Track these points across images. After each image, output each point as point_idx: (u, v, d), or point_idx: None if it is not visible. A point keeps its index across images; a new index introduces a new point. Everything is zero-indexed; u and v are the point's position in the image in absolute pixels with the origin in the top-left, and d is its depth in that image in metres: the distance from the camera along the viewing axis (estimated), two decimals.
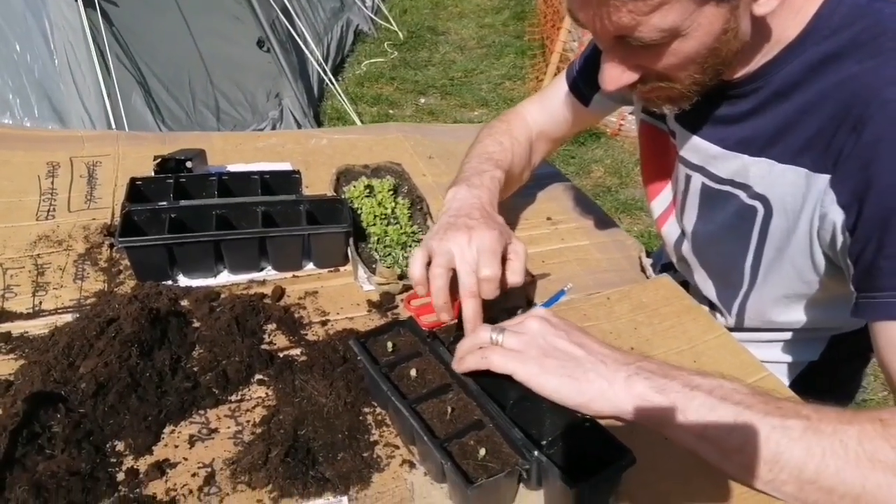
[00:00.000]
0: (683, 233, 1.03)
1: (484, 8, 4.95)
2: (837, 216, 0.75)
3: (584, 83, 1.10)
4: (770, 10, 0.70)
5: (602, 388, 0.64)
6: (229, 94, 2.78)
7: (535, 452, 0.65)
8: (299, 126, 3.09)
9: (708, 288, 1.03)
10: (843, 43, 0.73)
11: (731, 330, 1.01)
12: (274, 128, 2.94)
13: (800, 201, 0.79)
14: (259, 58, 2.90)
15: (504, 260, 0.84)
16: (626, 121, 3.41)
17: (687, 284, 1.09)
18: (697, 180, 0.93)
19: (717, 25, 0.69)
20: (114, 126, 2.19)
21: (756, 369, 0.86)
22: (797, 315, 0.94)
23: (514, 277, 0.84)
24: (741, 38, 0.73)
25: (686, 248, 1.03)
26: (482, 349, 0.70)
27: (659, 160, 1.04)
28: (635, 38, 0.69)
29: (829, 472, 0.60)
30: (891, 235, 0.68)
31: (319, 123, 3.31)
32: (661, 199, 1.07)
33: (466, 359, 0.71)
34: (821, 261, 0.83)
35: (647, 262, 1.09)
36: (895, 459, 0.59)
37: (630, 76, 0.76)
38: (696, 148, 0.91)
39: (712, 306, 1.04)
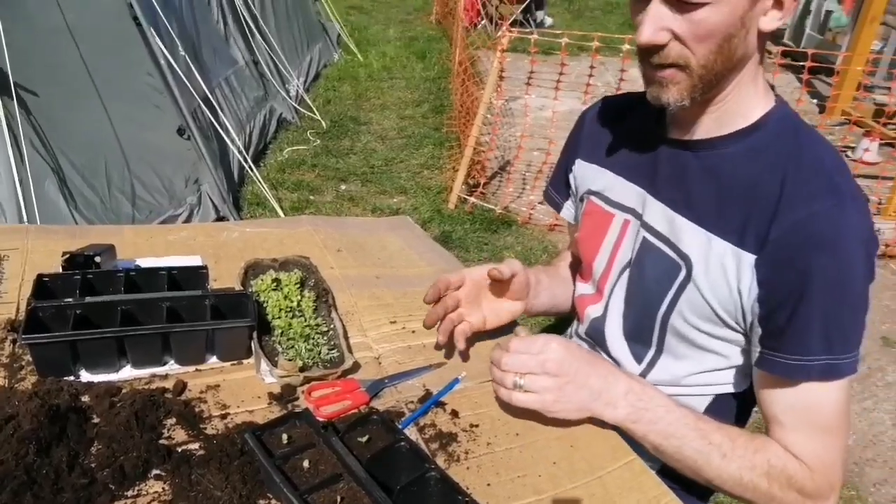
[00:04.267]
0: (606, 309, 1.14)
1: (405, 101, 5.19)
2: (754, 290, 0.92)
3: (555, 192, 1.28)
4: (771, 30, 0.90)
5: (598, 414, 0.95)
6: (146, 180, 2.80)
7: None
8: (218, 211, 3.12)
9: (623, 352, 1.13)
10: (770, 141, 0.94)
11: None
12: (191, 213, 2.96)
13: (720, 270, 0.95)
14: (179, 145, 2.95)
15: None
16: (535, 210, 3.62)
17: None
18: (642, 233, 1.06)
19: (739, 10, 0.85)
20: (24, 214, 2.17)
21: (625, 453, 0.94)
22: (691, 374, 1.07)
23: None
24: (747, 46, 0.90)
25: (612, 327, 1.13)
26: (508, 391, 0.94)
27: (593, 240, 1.16)
28: None
29: (728, 482, 0.94)
30: (802, 308, 0.88)
31: (239, 209, 3.35)
32: (588, 284, 1.19)
33: (500, 393, 0.96)
34: (729, 323, 0.98)
35: None
36: (769, 474, 0.92)
37: (663, 36, 0.88)
38: (643, 201, 1.06)
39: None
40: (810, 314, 0.88)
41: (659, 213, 1.04)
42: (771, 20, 0.89)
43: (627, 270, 1.10)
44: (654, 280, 1.04)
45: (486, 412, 1.00)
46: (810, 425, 0.93)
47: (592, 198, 1.16)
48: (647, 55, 0.91)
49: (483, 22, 6.41)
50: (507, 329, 1.17)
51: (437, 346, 1.12)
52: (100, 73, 2.70)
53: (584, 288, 1.21)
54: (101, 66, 2.71)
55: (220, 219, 3.10)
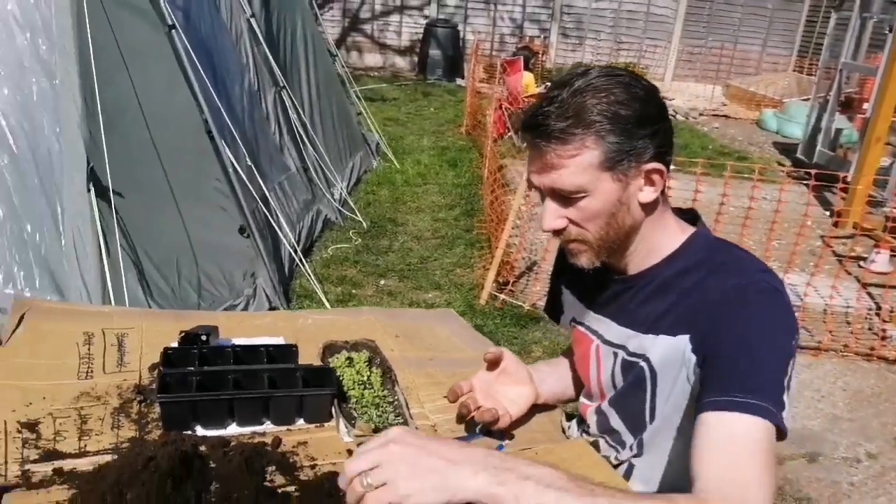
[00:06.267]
0: (602, 410, 1.33)
1: (438, 205, 5.58)
2: (692, 361, 1.10)
3: (552, 310, 1.51)
4: (650, 201, 1.11)
5: (459, 487, 0.81)
6: (211, 274, 3.11)
7: None
8: (270, 302, 3.40)
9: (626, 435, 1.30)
10: (698, 261, 1.16)
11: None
12: (247, 304, 3.24)
13: (671, 359, 1.14)
14: (239, 243, 3.28)
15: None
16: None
17: (597, 444, 1.39)
18: (621, 356, 1.26)
19: (613, 196, 1.08)
20: (113, 301, 2.46)
21: None
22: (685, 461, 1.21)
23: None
24: (633, 215, 1.12)
25: (615, 421, 1.31)
26: (358, 499, 0.83)
27: (583, 364, 1.36)
28: (560, 189, 1.08)
29: None
30: (724, 354, 1.04)
31: (288, 300, 3.64)
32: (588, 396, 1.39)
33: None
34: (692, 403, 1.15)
35: (566, 424, 1.39)
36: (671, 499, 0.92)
37: (560, 223, 1.12)
38: (617, 332, 1.26)
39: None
40: (733, 359, 1.02)
41: (627, 337, 1.23)
42: (647, 194, 1.11)
43: (618, 388, 1.28)
44: (632, 385, 1.23)
45: None
46: (733, 459, 0.94)
47: (578, 326, 1.37)
48: (556, 235, 1.16)
49: (510, 133, 6.88)
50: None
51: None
52: (176, 179, 3.07)
53: (585, 398, 1.40)
54: (178, 174, 3.08)
55: (272, 309, 3.38)
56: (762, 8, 11.91)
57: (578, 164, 1.06)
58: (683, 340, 1.13)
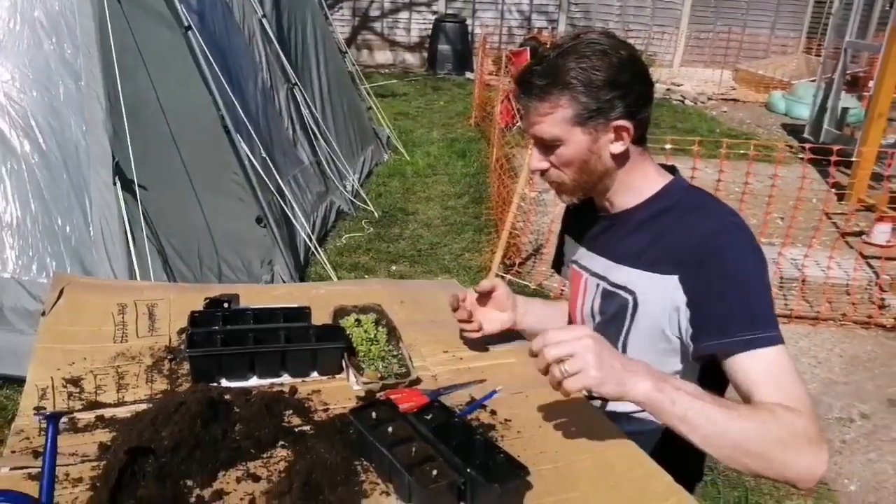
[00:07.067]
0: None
1: (448, 194, 5.72)
2: (682, 301, 1.25)
3: (557, 260, 1.69)
4: (620, 152, 1.28)
5: (629, 388, 1.07)
6: (230, 261, 3.28)
7: (469, 470, 1.04)
8: None
9: None
10: (674, 203, 1.32)
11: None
12: None
13: (657, 297, 1.28)
14: (257, 232, 3.44)
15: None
16: (566, 287, 3.96)
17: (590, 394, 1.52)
18: (602, 286, 1.41)
19: (584, 145, 1.27)
20: None
21: (640, 461, 1.26)
22: None
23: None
24: (605, 163, 1.29)
25: None
26: (559, 382, 1.06)
27: (574, 298, 1.52)
28: (540, 136, 1.28)
29: (750, 439, 1.07)
30: (712, 300, 1.20)
31: None
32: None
33: (553, 386, 1.09)
34: (671, 337, 1.29)
35: None
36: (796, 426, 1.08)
37: (543, 164, 1.33)
38: (601, 264, 1.42)
39: None
40: (723, 295, 1.19)
41: (609, 268, 1.39)
42: (617, 146, 1.28)
43: (597, 317, 1.43)
44: (613, 315, 1.38)
45: (518, 412, 1.33)
46: (782, 384, 1.13)
47: (573, 265, 1.54)
48: (542, 175, 1.37)
49: (518, 124, 6.99)
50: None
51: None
52: (196, 172, 3.23)
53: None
54: (197, 167, 3.24)
55: None
56: None
57: (553, 118, 1.25)
58: (673, 281, 1.27)
